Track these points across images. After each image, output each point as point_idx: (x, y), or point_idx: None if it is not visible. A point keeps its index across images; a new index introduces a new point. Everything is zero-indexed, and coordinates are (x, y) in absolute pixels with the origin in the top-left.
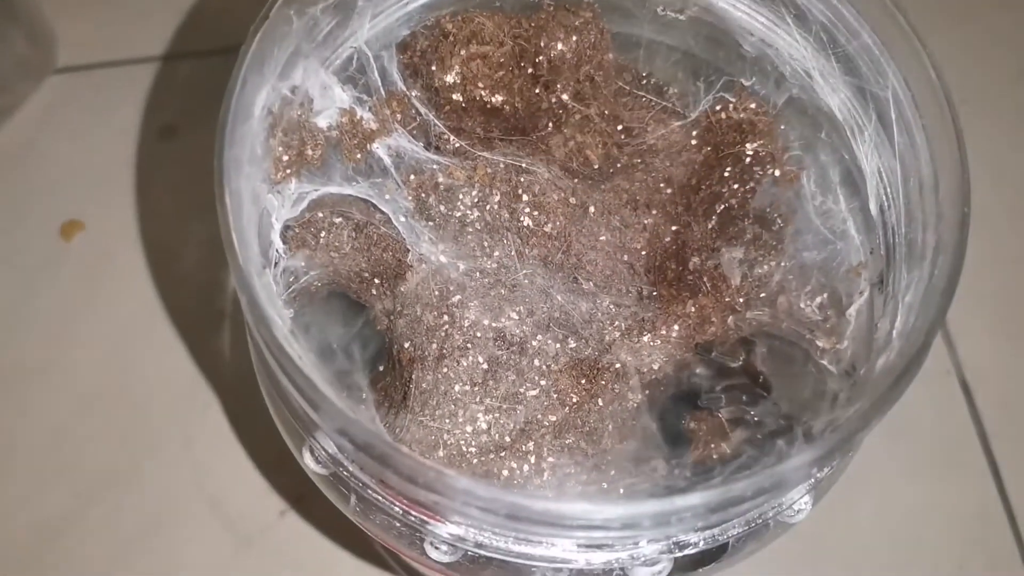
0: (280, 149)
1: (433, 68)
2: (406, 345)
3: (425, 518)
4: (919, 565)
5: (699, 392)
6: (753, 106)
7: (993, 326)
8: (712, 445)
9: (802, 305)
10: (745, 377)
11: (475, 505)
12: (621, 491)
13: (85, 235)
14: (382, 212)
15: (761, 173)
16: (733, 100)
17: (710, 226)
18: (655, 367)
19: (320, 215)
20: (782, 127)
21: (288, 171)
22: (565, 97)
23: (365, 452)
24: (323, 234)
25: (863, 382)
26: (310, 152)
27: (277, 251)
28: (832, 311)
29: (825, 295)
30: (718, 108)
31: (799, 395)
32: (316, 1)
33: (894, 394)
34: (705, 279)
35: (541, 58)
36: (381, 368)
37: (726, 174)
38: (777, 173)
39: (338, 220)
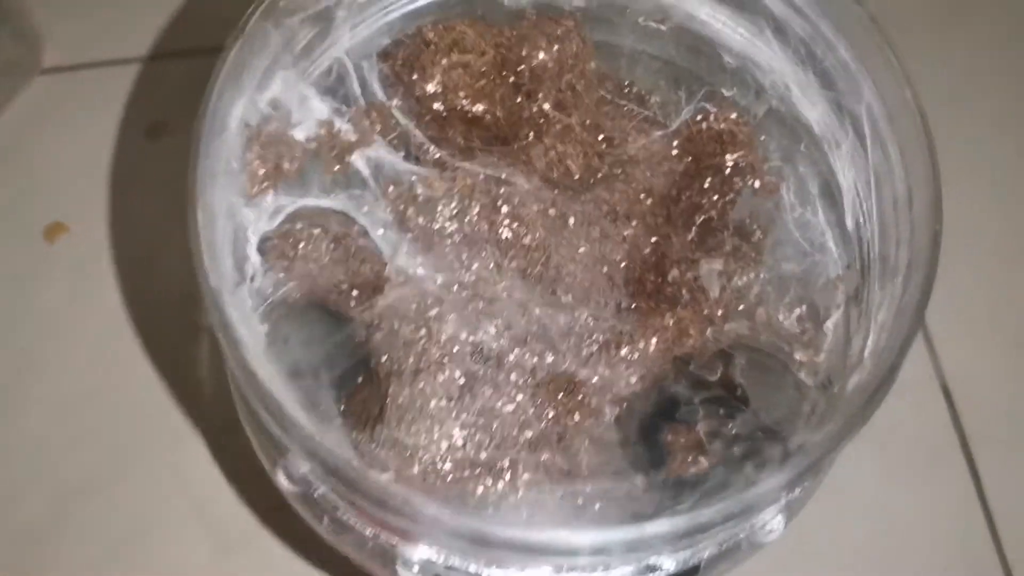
0: (256, 163)
1: (414, 77)
2: (383, 359)
3: (396, 540)
4: (900, 573)
5: (677, 405)
6: (733, 116)
7: (975, 331)
8: (689, 459)
9: (780, 317)
10: (723, 390)
11: (443, 531)
12: (597, 507)
13: (69, 238)
14: (360, 224)
15: (741, 184)
16: (714, 111)
17: (690, 237)
18: (633, 381)
19: (298, 226)
20: (762, 138)
21: (264, 185)
22: (546, 106)
23: (334, 476)
24: (301, 245)
25: (835, 400)
26: (287, 166)
27: (253, 265)
28: (810, 324)
29: (803, 307)
30: (699, 118)
31: (777, 408)
32: (294, 12)
33: (864, 415)
34: (684, 291)
35: (523, 67)
36: (360, 379)
37: (706, 185)
38: (757, 184)
39: (316, 231)
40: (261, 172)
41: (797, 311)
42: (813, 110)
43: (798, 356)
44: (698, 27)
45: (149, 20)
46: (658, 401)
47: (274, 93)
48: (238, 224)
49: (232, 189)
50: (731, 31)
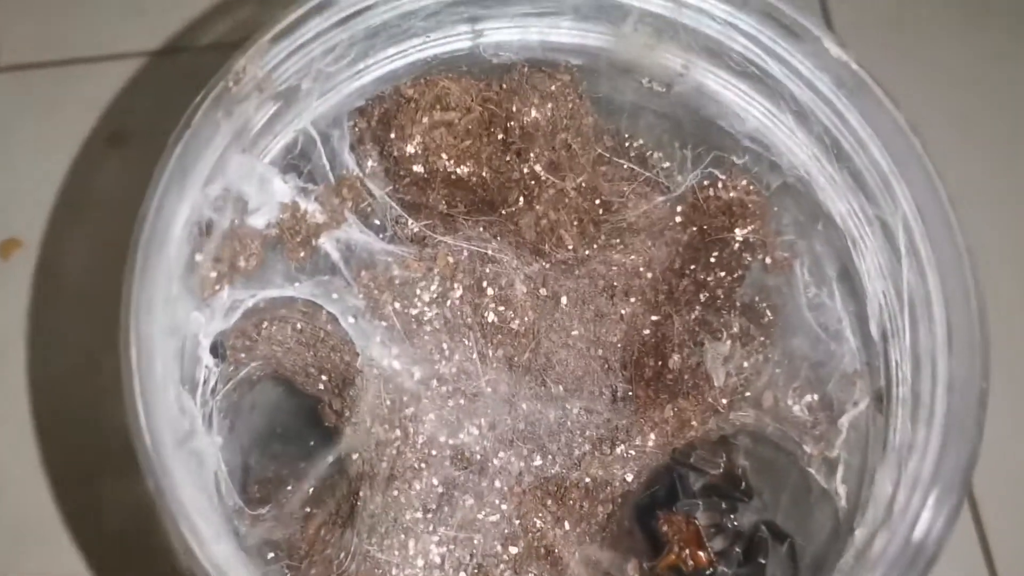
0: (208, 265)
1: (392, 136)
2: (354, 457)
3: None
4: None
5: (676, 496)
6: (744, 184)
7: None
8: (687, 552)
9: (790, 403)
10: (725, 481)
11: None
12: None
13: (23, 253)
14: (329, 312)
15: (750, 260)
16: (723, 177)
17: (693, 317)
18: (629, 479)
19: (257, 321)
20: (775, 209)
21: (217, 287)
22: (538, 168)
23: None
24: (264, 325)
25: (862, 557)
26: (243, 264)
27: (206, 367)
28: (823, 415)
29: (815, 396)
30: (706, 184)
31: (783, 504)
32: (248, 98)
33: None
34: (686, 378)
35: (513, 124)
36: (330, 459)
37: (712, 260)
38: (768, 260)
39: (282, 311)
40: (213, 275)
41: (808, 399)
42: (836, 203)
43: (808, 448)
44: (708, 96)
45: (114, 17)
46: (656, 491)
47: (227, 181)
48: (187, 333)
49: (179, 299)
50: (746, 105)
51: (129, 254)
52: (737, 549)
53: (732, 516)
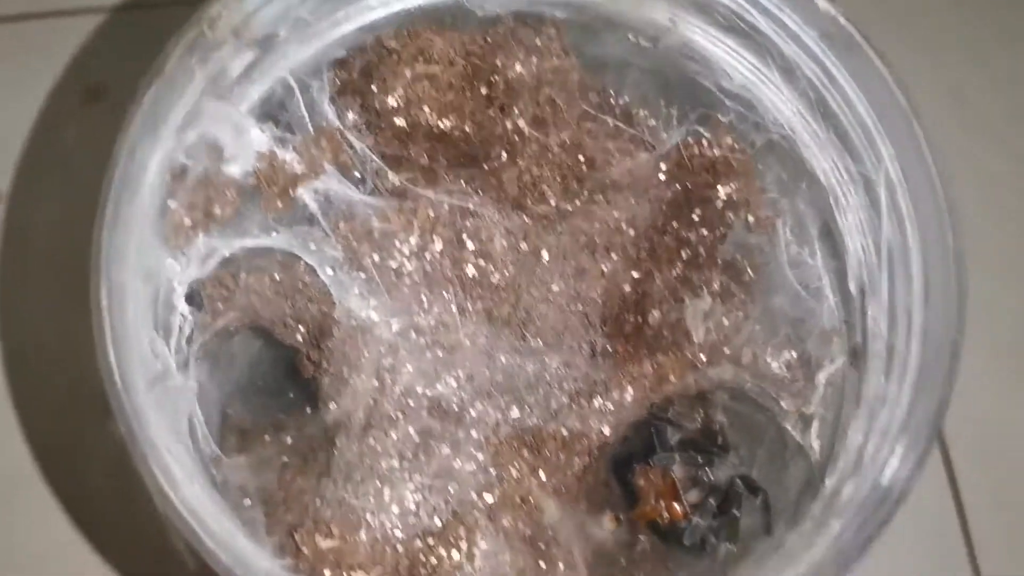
0: (182, 212)
1: (373, 88)
2: (331, 406)
3: None
4: None
5: (652, 448)
6: (729, 141)
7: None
8: (662, 504)
9: (768, 359)
10: (702, 436)
11: None
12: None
13: (2, 206)
14: (307, 263)
15: (733, 218)
16: (708, 135)
17: (674, 274)
18: (606, 432)
19: (234, 270)
20: (759, 167)
21: (192, 235)
22: (522, 123)
23: None
24: (242, 276)
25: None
26: (219, 211)
27: (182, 315)
28: (800, 372)
29: (794, 353)
30: (691, 141)
31: (759, 459)
32: (223, 44)
33: (866, 546)
34: (666, 334)
35: (497, 78)
36: (309, 410)
37: (695, 217)
38: (751, 219)
39: (259, 261)
40: (188, 222)
41: (786, 355)
42: (820, 160)
43: (785, 404)
44: (695, 51)
45: None
46: (633, 444)
47: (202, 128)
48: (161, 280)
49: (152, 245)
50: (733, 60)
51: (100, 198)
52: (712, 501)
53: (708, 470)
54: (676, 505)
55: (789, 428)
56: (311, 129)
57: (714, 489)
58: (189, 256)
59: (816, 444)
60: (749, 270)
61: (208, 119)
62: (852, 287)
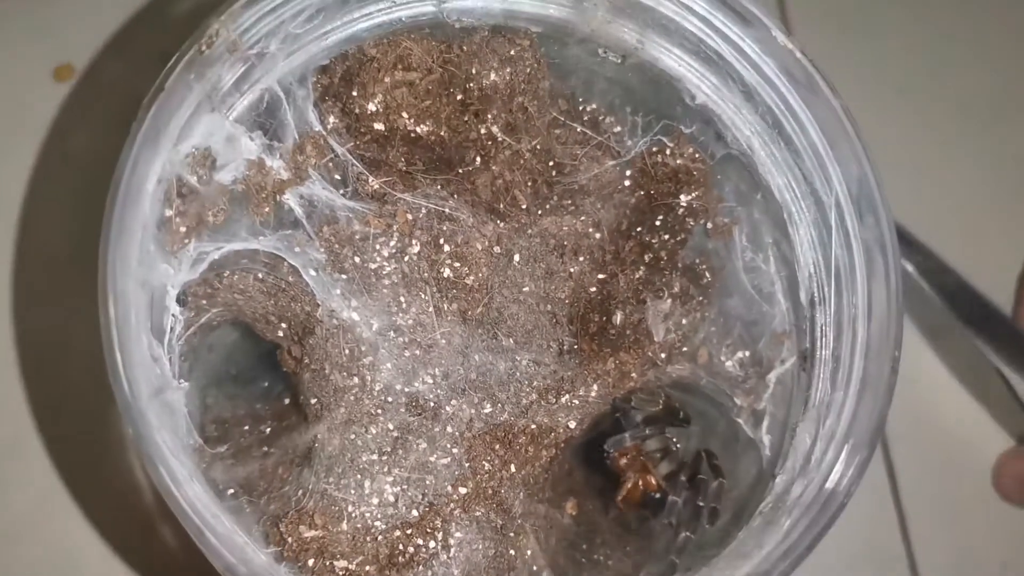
0: (177, 220)
1: (354, 94)
2: (312, 401)
3: None
4: None
5: (621, 430)
6: (691, 151)
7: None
8: (641, 480)
9: (723, 358)
10: (665, 414)
11: None
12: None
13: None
14: (290, 264)
15: (693, 224)
16: (671, 145)
17: (637, 276)
18: (572, 426)
19: (223, 272)
20: (718, 177)
21: (186, 241)
22: (495, 129)
23: None
24: (227, 274)
25: (780, 504)
26: (211, 218)
27: (173, 316)
28: (752, 370)
29: (747, 353)
30: (655, 150)
31: (713, 449)
32: (220, 60)
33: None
34: (628, 333)
35: (472, 85)
36: (287, 401)
37: (657, 223)
38: (710, 225)
39: (244, 262)
40: (183, 230)
41: (740, 355)
42: (775, 177)
43: (738, 400)
44: (661, 70)
45: None
46: (602, 430)
47: (197, 140)
48: (156, 284)
49: (151, 253)
50: (696, 80)
51: (105, 214)
52: (683, 477)
53: (675, 440)
54: (650, 478)
55: (741, 423)
56: (296, 136)
57: (683, 464)
58: (181, 260)
59: (767, 439)
60: (707, 274)
61: (202, 131)
62: (802, 297)
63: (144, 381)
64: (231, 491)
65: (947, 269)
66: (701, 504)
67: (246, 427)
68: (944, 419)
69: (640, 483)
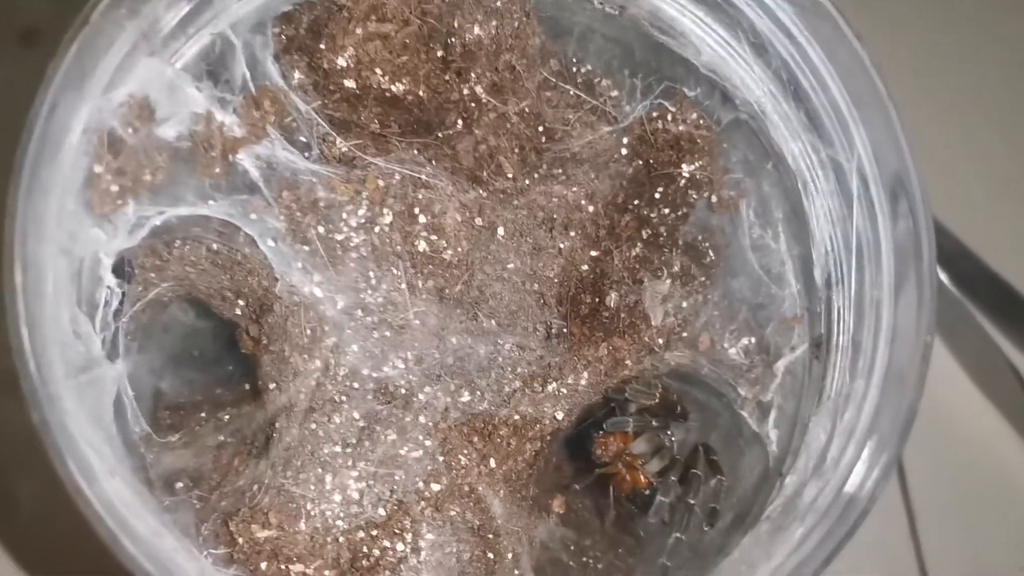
0: (108, 178)
1: (322, 47)
2: (271, 386)
3: None
4: None
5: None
6: (695, 117)
7: None
8: (630, 475)
9: (726, 345)
10: (661, 407)
11: None
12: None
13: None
14: (247, 234)
15: (696, 197)
16: (673, 110)
17: (633, 254)
18: (559, 417)
19: (168, 240)
20: (724, 146)
21: (120, 202)
22: (479, 89)
23: None
24: (176, 245)
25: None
26: (149, 177)
27: (108, 288)
28: (759, 358)
29: (752, 339)
30: (655, 116)
31: (713, 445)
32: None
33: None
34: (623, 316)
35: (454, 40)
36: (247, 387)
37: (656, 195)
38: (714, 199)
39: (195, 230)
40: (115, 189)
41: (745, 342)
42: (789, 142)
43: (742, 391)
44: (664, 22)
45: None
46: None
47: (132, 87)
48: (85, 252)
49: (75, 214)
50: (703, 32)
51: (15, 162)
52: (673, 478)
53: (668, 433)
54: (639, 475)
55: (746, 415)
56: (253, 89)
57: (675, 462)
58: (117, 225)
59: (773, 434)
60: (710, 252)
61: (139, 76)
62: (817, 276)
63: (61, 361)
64: (180, 484)
65: (968, 254)
66: (692, 503)
67: (202, 414)
68: (957, 419)
69: (629, 478)
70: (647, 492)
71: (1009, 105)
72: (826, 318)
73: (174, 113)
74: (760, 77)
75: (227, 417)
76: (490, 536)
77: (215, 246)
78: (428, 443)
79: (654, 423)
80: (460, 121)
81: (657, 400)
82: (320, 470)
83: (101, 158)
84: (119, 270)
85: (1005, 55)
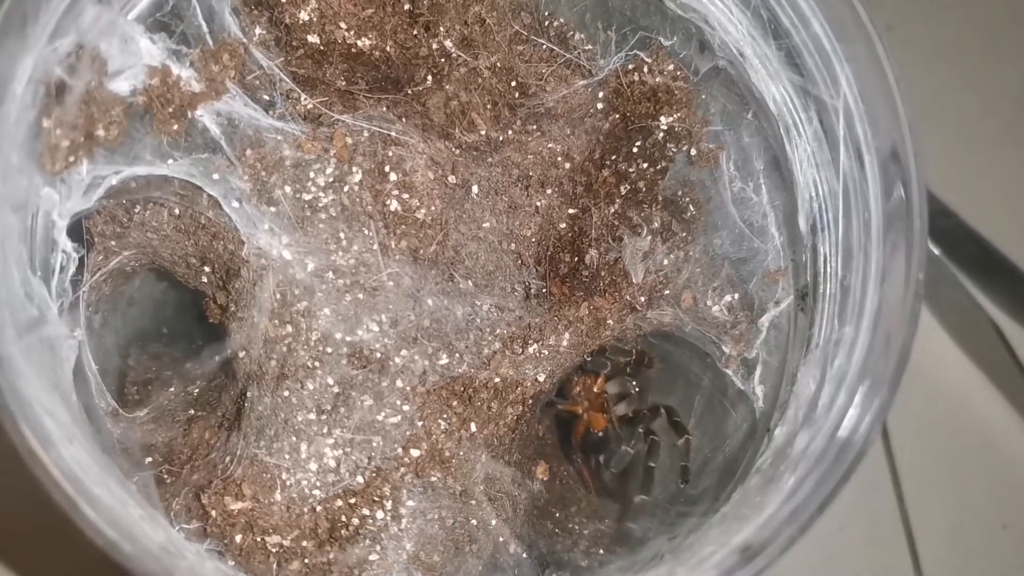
0: (58, 133)
1: (283, 0)
2: (241, 354)
3: None
4: None
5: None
6: (671, 68)
7: None
8: (589, 416)
9: (709, 303)
10: (636, 362)
11: None
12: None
13: None
14: (210, 195)
15: (675, 150)
16: (649, 60)
17: (612, 210)
18: (540, 379)
19: (125, 201)
20: (702, 96)
21: (72, 159)
22: (448, 44)
23: None
24: (137, 210)
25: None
26: (102, 133)
27: (64, 252)
28: (743, 315)
29: (736, 295)
30: (630, 68)
31: (697, 407)
32: None
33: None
34: (603, 275)
35: None
36: (217, 358)
37: (634, 150)
38: (693, 152)
39: (156, 193)
40: (65, 144)
41: (728, 298)
42: (770, 86)
43: (726, 348)
44: None
45: None
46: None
47: (81, 36)
48: (36, 211)
49: (23, 171)
50: None
51: None
52: (640, 429)
53: (634, 384)
54: (601, 417)
55: (730, 373)
56: (211, 42)
57: (639, 415)
58: (70, 185)
59: (760, 390)
60: (691, 207)
61: (87, 25)
62: (802, 223)
63: (11, 322)
64: (149, 459)
65: (948, 212)
66: (653, 466)
67: (171, 388)
68: (939, 378)
69: (588, 419)
70: (600, 434)
71: (986, 61)
72: (812, 266)
73: (127, 66)
74: (738, 19)
75: (196, 391)
76: (472, 502)
77: (177, 210)
78: (406, 408)
79: (627, 371)
80: (430, 77)
81: (633, 357)
82: (294, 438)
83: (49, 111)
84: (75, 234)
85: (979, 8)
